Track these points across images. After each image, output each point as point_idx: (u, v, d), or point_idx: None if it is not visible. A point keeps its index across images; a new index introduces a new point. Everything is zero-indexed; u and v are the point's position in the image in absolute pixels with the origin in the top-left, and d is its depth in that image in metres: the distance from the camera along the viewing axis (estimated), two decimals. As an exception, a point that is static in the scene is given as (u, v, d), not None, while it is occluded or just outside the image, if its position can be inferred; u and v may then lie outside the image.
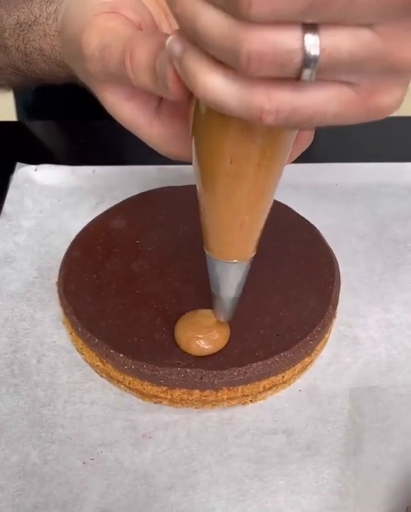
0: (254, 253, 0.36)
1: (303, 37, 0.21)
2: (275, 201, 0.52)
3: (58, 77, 0.49)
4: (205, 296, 0.44)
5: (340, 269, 0.48)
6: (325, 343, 0.45)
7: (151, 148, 0.64)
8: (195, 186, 0.50)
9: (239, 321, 0.42)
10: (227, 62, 0.22)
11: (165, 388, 0.41)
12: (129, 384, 0.42)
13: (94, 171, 0.60)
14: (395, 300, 0.49)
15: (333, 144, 0.64)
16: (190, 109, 0.30)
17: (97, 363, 0.43)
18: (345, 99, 0.23)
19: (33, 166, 0.59)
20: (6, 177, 0.58)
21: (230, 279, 0.37)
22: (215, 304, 0.40)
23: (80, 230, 0.51)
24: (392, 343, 0.46)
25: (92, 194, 0.58)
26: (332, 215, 0.56)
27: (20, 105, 0.87)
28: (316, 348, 0.44)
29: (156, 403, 0.42)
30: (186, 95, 0.27)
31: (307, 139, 0.33)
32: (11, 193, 0.57)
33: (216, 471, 0.39)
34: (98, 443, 0.40)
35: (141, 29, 0.34)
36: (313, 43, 0.21)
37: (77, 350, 0.45)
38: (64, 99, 0.78)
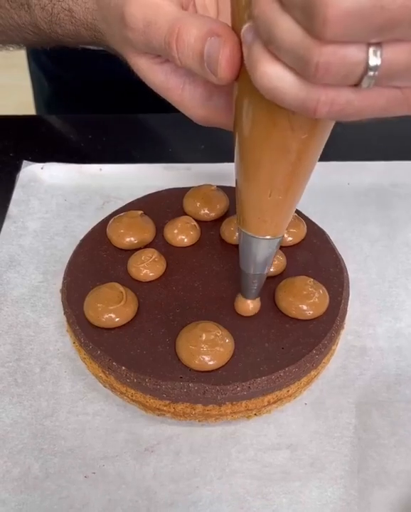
0: (281, 234, 0.37)
1: (367, 51, 0.22)
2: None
3: (82, 40, 0.48)
4: (209, 306, 0.44)
5: (350, 275, 0.47)
6: (332, 354, 0.44)
7: (158, 144, 0.63)
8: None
9: (244, 333, 0.42)
10: (293, 66, 0.24)
11: (168, 402, 0.40)
12: (132, 396, 0.41)
13: (100, 169, 0.59)
14: (406, 308, 0.48)
15: (345, 141, 0.62)
16: (234, 91, 0.31)
17: (100, 374, 0.42)
18: (392, 98, 0.25)
19: (40, 164, 0.59)
20: (12, 177, 0.58)
21: (261, 255, 0.38)
22: (244, 282, 0.41)
23: (86, 232, 0.50)
24: (401, 355, 0.45)
25: (98, 194, 0.57)
26: (343, 217, 0.55)
27: (39, 99, 0.86)
28: (323, 361, 0.43)
29: (159, 415, 0.41)
30: (233, 82, 0.30)
31: None
32: (17, 193, 0.56)
33: (218, 488, 0.38)
34: (100, 456, 0.40)
35: (183, 8, 0.35)
36: (375, 57, 0.22)
37: (81, 359, 0.45)
38: (82, 94, 0.77)
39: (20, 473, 0.39)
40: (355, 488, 0.38)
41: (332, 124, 0.31)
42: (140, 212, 0.48)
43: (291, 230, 0.47)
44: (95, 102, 0.74)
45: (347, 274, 0.46)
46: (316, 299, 0.42)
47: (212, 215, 0.50)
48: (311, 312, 0.42)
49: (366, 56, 0.22)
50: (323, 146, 0.32)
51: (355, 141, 0.63)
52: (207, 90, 0.35)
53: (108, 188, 0.58)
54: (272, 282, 0.44)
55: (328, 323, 0.42)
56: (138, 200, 0.52)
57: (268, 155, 0.31)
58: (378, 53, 0.22)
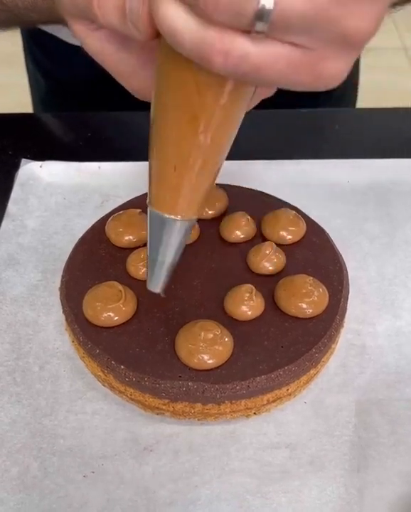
0: (196, 218, 0.35)
1: None
2: (284, 202, 0.51)
3: (42, 13, 0.48)
4: (208, 304, 0.44)
5: (350, 273, 0.47)
6: (332, 353, 0.44)
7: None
8: None
9: (243, 331, 0.42)
10: (187, 1, 0.23)
11: (167, 401, 0.40)
12: (131, 395, 0.41)
13: (99, 167, 0.59)
14: (406, 306, 0.48)
15: (344, 139, 0.62)
16: (157, 50, 0.29)
17: (99, 373, 0.42)
18: (293, 60, 0.24)
19: (39, 163, 0.58)
20: (11, 175, 0.57)
21: (165, 238, 0.35)
22: (148, 270, 0.38)
23: (85, 230, 0.50)
24: (401, 353, 0.45)
25: (97, 192, 0.57)
26: (342, 215, 0.55)
27: (36, 97, 0.85)
28: (323, 359, 0.43)
29: (158, 414, 0.41)
30: (155, 37, 0.28)
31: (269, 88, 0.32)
32: (16, 192, 0.56)
33: (217, 487, 0.38)
34: (99, 455, 0.40)
35: None
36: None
37: (80, 358, 0.44)
38: (79, 91, 0.76)
39: (19, 473, 0.39)
40: (354, 487, 0.38)
41: (244, 97, 0.30)
42: (139, 210, 0.48)
43: (291, 228, 0.47)
44: (91, 100, 0.74)
45: (346, 272, 0.46)
46: (316, 298, 0.42)
47: (211, 212, 0.49)
48: (310, 310, 0.42)
49: None
50: (235, 123, 0.31)
51: (353, 138, 0.63)
52: (141, 59, 0.33)
53: (107, 186, 0.58)
54: (272, 281, 0.44)
55: (328, 321, 0.42)
56: (137, 198, 0.51)
57: (173, 121, 0.30)
58: None
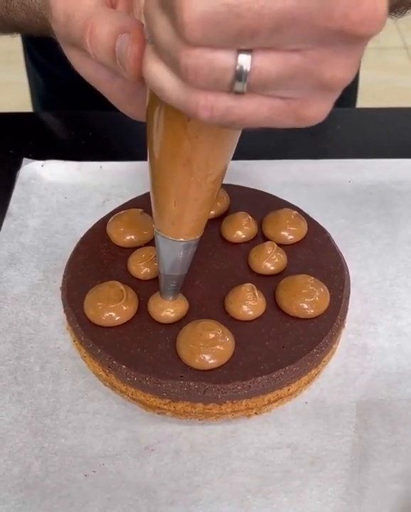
0: (193, 237, 0.38)
1: (236, 57, 0.22)
2: (285, 202, 0.51)
3: (37, 28, 0.49)
4: (209, 304, 0.44)
5: (351, 273, 0.47)
6: (333, 353, 0.44)
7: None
8: None
9: (245, 331, 0.42)
10: (170, 67, 0.24)
11: (168, 401, 0.40)
12: (132, 395, 0.41)
13: (101, 167, 0.59)
14: (407, 306, 0.48)
15: (346, 139, 0.62)
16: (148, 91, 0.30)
17: (100, 373, 0.42)
18: (276, 108, 0.25)
19: (40, 162, 0.58)
20: (12, 174, 0.57)
21: (170, 255, 0.39)
22: (160, 282, 0.42)
23: (86, 230, 0.50)
24: (402, 353, 0.45)
25: (99, 191, 0.57)
26: (344, 215, 0.54)
27: (35, 97, 0.85)
28: (324, 359, 0.43)
29: (159, 414, 0.41)
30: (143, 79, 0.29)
31: None
32: (17, 191, 0.56)
33: (218, 487, 0.38)
34: (100, 455, 0.40)
35: (111, 3, 0.35)
36: (244, 63, 0.22)
37: (81, 357, 0.44)
38: (76, 90, 0.76)
39: (21, 472, 0.39)
40: (355, 487, 0.38)
41: (233, 135, 0.31)
42: (140, 210, 0.48)
43: (292, 228, 0.47)
44: (90, 99, 0.74)
45: (348, 273, 0.46)
46: (317, 298, 0.42)
47: (213, 212, 0.49)
48: (311, 311, 0.42)
49: (235, 62, 0.22)
50: (227, 159, 0.32)
51: (355, 138, 0.63)
52: (136, 86, 0.34)
53: (108, 185, 0.58)
54: (273, 281, 0.44)
55: (329, 321, 0.42)
56: (138, 197, 0.52)
57: (168, 164, 0.31)
58: (248, 60, 0.22)
